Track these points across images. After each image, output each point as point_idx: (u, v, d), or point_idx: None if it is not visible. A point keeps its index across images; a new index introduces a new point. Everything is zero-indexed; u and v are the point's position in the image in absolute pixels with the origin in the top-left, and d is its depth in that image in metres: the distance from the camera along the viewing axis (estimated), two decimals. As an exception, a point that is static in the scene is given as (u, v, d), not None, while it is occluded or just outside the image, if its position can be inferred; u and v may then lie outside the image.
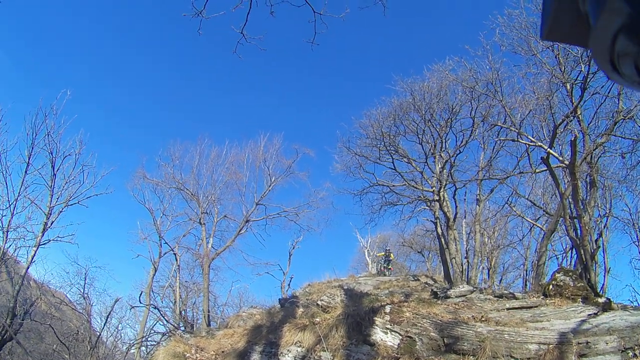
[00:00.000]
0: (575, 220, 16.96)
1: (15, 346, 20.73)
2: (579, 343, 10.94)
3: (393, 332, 12.46)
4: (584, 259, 15.54)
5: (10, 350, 20.79)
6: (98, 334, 22.66)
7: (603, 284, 21.71)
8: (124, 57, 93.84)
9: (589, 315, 12.61)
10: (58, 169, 21.44)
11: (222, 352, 14.65)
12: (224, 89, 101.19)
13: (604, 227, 23.36)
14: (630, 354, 10.86)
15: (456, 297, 15.79)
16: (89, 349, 20.17)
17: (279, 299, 21.72)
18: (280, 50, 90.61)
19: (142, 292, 27.57)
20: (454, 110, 24.17)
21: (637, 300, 22.79)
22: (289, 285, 31.93)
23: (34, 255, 20.23)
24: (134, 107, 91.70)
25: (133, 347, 24.66)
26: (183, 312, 27.50)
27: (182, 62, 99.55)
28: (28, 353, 20.70)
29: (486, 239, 28.81)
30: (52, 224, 20.85)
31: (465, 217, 28.77)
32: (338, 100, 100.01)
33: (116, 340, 26.74)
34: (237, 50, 9.35)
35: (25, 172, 20.58)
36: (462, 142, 24.83)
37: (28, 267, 20.67)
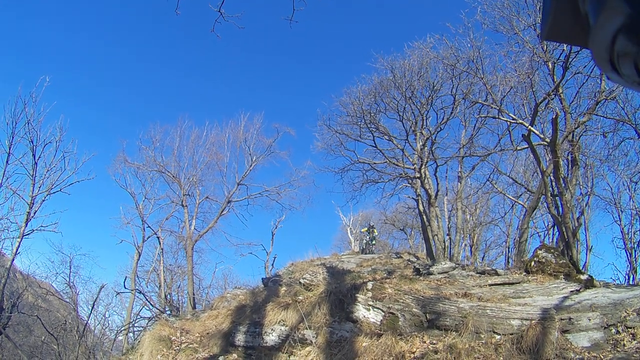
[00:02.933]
0: (556, 197, 17.04)
1: (4, 341, 20.50)
2: (561, 319, 11.03)
3: (375, 309, 12.46)
4: (566, 237, 15.62)
5: (0, 345, 20.58)
6: (85, 322, 22.47)
7: (585, 262, 21.94)
8: (100, 41, 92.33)
9: (571, 291, 12.72)
10: (39, 157, 20.99)
11: (207, 333, 14.60)
12: (203, 69, 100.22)
13: (586, 205, 23.60)
14: (614, 330, 10.95)
15: (438, 273, 15.87)
16: (77, 338, 20.00)
17: (262, 279, 21.68)
18: (259, 29, 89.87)
19: (126, 277, 27.34)
20: (435, 87, 24.05)
21: (619, 279, 23.17)
22: (272, 265, 32.01)
23: (19, 246, 19.92)
24: (113, 91, 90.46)
25: (120, 334, 24.50)
26: (168, 295, 27.31)
27: (159, 44, 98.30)
28: (18, 347, 20.51)
29: (468, 216, 28.93)
30: (35, 213, 20.52)
31: (447, 194, 28.83)
32: (318, 79, 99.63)
33: (104, 327, 26.50)
34: (215, 29, 9.21)
35: (7, 162, 20.20)
36: (443, 119, 24.82)
37: (13, 259, 20.36)
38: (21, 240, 19.88)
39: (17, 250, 19.92)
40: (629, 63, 0.88)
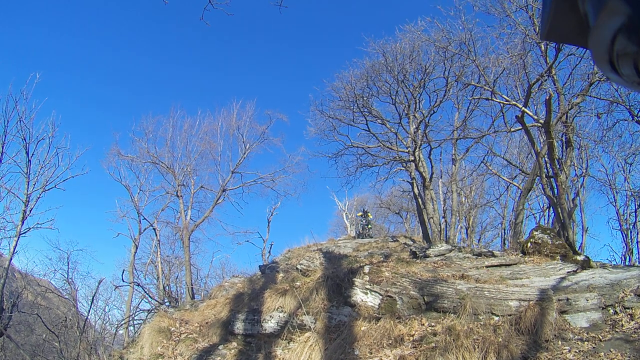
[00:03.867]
0: (551, 179, 17.08)
1: (6, 341, 20.47)
2: (559, 300, 11.10)
3: (373, 292, 12.46)
4: (562, 217, 15.68)
5: (3, 346, 20.52)
6: (85, 318, 22.42)
7: (581, 243, 22.19)
8: (89, 34, 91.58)
9: (569, 272, 12.78)
10: (32, 155, 20.82)
11: (206, 323, 14.63)
12: (194, 58, 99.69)
13: (581, 186, 23.83)
14: (612, 310, 11.03)
15: (435, 256, 15.91)
16: (78, 334, 19.93)
17: (260, 266, 21.71)
18: (248, 15, 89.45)
19: (124, 270, 27.36)
20: (427, 70, 24.04)
21: (615, 260, 23.39)
22: (269, 252, 32.04)
23: (16, 245, 19.81)
24: (105, 84, 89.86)
25: (121, 328, 24.48)
26: (167, 287, 27.27)
27: (148, 34, 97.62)
28: (19, 347, 20.47)
29: (463, 199, 29.08)
30: (30, 211, 20.38)
31: (441, 177, 29.00)
32: (310, 64, 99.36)
33: (104, 322, 26.34)
34: (205, 16, 9.14)
35: (0, 161, 20.15)
36: (435, 102, 24.84)
37: (11, 259, 20.25)
38: (18, 239, 19.80)
39: (14, 249, 19.85)
40: (628, 63, 0.88)
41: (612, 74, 0.94)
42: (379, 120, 26.29)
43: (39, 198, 20.81)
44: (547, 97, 15.00)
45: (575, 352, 9.64)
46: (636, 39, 0.84)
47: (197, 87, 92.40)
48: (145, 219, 28.39)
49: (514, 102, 17.07)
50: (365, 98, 25.37)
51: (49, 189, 21.23)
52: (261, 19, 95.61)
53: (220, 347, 12.94)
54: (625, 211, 25.08)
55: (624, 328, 10.28)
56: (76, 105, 76.90)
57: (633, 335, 9.79)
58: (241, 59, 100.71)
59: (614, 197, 25.50)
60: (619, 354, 9.13)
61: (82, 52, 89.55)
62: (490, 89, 17.85)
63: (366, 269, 13.56)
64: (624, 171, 25.05)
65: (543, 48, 17.01)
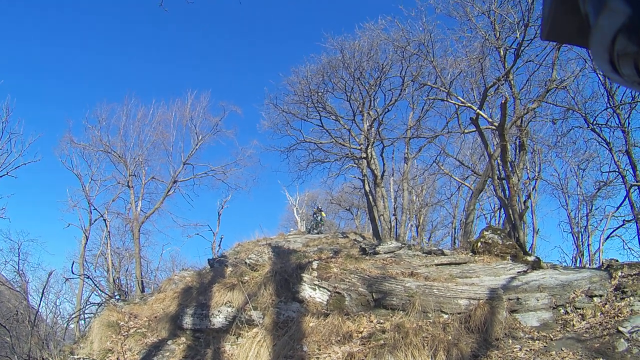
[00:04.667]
0: (503, 180, 17.29)
1: None
2: (509, 299, 11.20)
3: (321, 288, 12.36)
4: (513, 219, 15.84)
5: None
6: (36, 311, 21.78)
7: (532, 244, 22.71)
8: (46, 17, 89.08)
9: (519, 272, 12.90)
10: (-16, 140, 20.21)
11: (155, 317, 14.32)
12: (150, 47, 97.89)
13: (533, 189, 24.44)
14: (562, 311, 11.18)
15: (385, 253, 15.88)
16: (29, 328, 19.32)
17: (209, 260, 21.36)
18: (207, 5, 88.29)
19: (74, 262, 26.42)
20: (384, 69, 24.03)
21: (565, 261, 24.04)
22: (219, 245, 31.56)
23: None
24: (60, 68, 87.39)
25: (72, 322, 23.81)
26: (117, 280, 26.56)
27: (106, 20, 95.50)
28: None
29: (414, 197, 29.38)
30: (-19, 198, 19.82)
31: (393, 175, 29.21)
32: (267, 57, 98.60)
33: (55, 316, 25.45)
34: (164, 3, 8.89)
35: None
36: (391, 100, 24.83)
37: None
38: (-31, 228, 19.16)
39: (-35, 239, 19.23)
40: (629, 63, 0.88)
41: (612, 74, 0.94)
42: (332, 117, 26.22)
43: (-10, 185, 20.22)
44: (503, 101, 15.15)
45: (527, 350, 9.70)
46: (636, 39, 0.84)
47: (153, 76, 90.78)
48: (95, 209, 27.57)
49: (469, 104, 17.11)
50: (320, 93, 25.24)
51: (0, 176, 20.59)
52: (220, 9, 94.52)
53: (169, 342, 12.66)
54: (577, 215, 25.99)
55: (575, 327, 10.43)
56: (32, 95, 74.78)
57: (584, 335, 9.92)
58: (198, 50, 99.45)
59: (565, 201, 26.39)
60: (571, 353, 9.22)
61: (41, 32, 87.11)
62: (446, 90, 17.89)
63: (315, 265, 13.43)
64: (576, 176, 25.93)
65: (502, 53, 17.21)
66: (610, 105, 19.99)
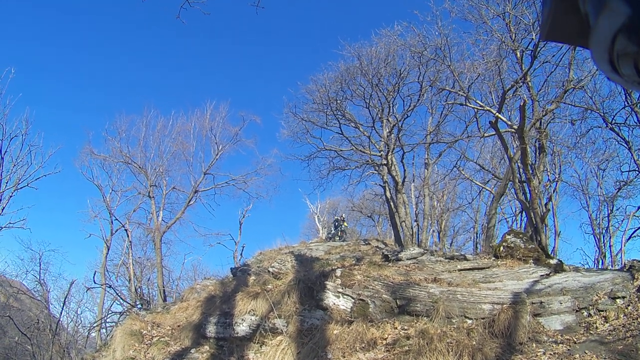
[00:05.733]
0: (524, 184, 17.21)
1: None
2: (532, 303, 11.12)
3: (345, 296, 12.39)
4: (534, 222, 15.76)
5: None
6: (58, 320, 21.98)
7: (554, 247, 22.43)
8: (64, 30, 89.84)
9: (542, 276, 12.82)
10: (5, 152, 20.50)
11: (178, 326, 14.44)
12: (169, 58, 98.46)
13: (554, 191, 24.12)
14: (585, 313, 11.09)
15: (407, 259, 15.84)
16: (50, 337, 19.51)
17: (231, 269, 21.46)
18: (225, 15, 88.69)
19: (95, 272, 26.68)
20: (402, 75, 24.08)
21: (587, 263, 23.85)
22: (241, 254, 31.59)
23: None
24: (79, 82, 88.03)
25: (93, 330, 24.02)
26: (138, 289, 26.82)
27: (124, 32, 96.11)
28: None
29: (435, 203, 29.20)
30: (2, 210, 20.06)
31: (413, 180, 29.06)
32: (285, 66, 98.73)
33: (77, 325, 25.95)
34: (181, 15, 9.01)
35: None
36: (409, 106, 24.90)
37: None
38: (-10, 239, 19.51)
39: (-14, 249, 19.53)
40: (629, 63, 0.88)
41: (612, 74, 0.94)
42: (352, 124, 26.33)
43: (11, 197, 20.53)
44: (522, 103, 15.06)
45: (550, 354, 9.65)
46: (636, 39, 0.84)
47: (172, 87, 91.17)
48: (117, 219, 27.89)
49: (487, 108, 17.07)
50: (339, 101, 25.33)
51: (21, 188, 20.94)
52: (237, 19, 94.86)
53: (193, 350, 12.76)
54: (598, 216, 25.63)
55: (598, 330, 10.34)
56: (51, 103, 75.48)
57: (608, 337, 9.84)
58: (216, 60, 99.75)
59: (586, 202, 26.07)
60: (594, 356, 9.15)
61: (57, 50, 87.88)
62: (465, 95, 17.87)
63: (338, 272, 13.47)
64: (596, 177, 25.60)
65: (519, 55, 17.09)
66: (628, 103, 19.77)
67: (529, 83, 17.87)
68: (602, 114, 20.27)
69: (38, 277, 24.49)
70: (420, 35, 19.69)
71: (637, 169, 21.25)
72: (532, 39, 15.95)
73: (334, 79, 25.10)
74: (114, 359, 13.35)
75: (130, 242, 28.14)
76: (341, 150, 26.51)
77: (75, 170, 31.10)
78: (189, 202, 27.57)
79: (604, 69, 0.96)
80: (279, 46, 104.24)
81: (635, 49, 0.85)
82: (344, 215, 34.21)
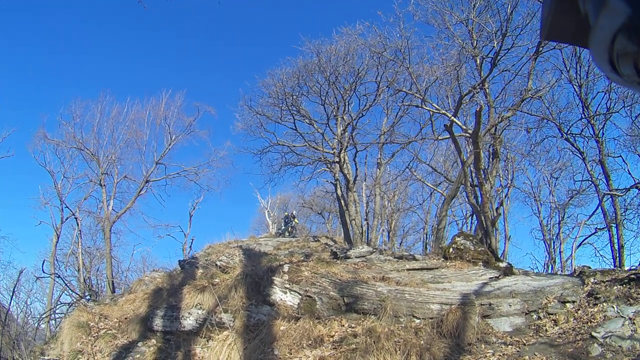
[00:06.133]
0: (476, 187, 17.42)
1: None
2: (481, 304, 11.22)
3: (292, 292, 12.29)
4: (485, 225, 15.93)
5: None
6: (7, 310, 21.30)
7: (503, 250, 23.01)
8: (24, 11, 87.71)
9: (491, 278, 12.96)
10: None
11: (125, 318, 14.05)
12: (127, 44, 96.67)
13: (505, 196, 24.80)
14: (535, 316, 11.25)
15: (356, 257, 15.82)
16: (0, 328, 18.96)
17: (179, 261, 21.16)
18: (185, 5, 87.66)
19: (44, 261, 25.87)
20: (360, 74, 24.21)
21: (537, 268, 24.48)
22: (190, 247, 31.26)
23: None
24: (35, 63, 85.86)
25: (42, 322, 23.39)
26: (87, 279, 26.07)
27: (84, 16, 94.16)
28: None
29: (386, 202, 29.48)
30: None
31: (365, 180, 29.29)
32: (243, 59, 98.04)
33: (27, 315, 25.16)
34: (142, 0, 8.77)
35: None
36: (365, 105, 25.10)
37: None
38: (-62, 226, 18.80)
39: None
40: (628, 63, 0.87)
41: (612, 74, 0.93)
42: (306, 120, 26.32)
43: (-38, 181, 19.79)
44: (478, 109, 15.26)
45: (499, 355, 9.73)
46: (636, 39, 0.83)
47: (129, 75, 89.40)
48: (67, 207, 27.23)
49: (443, 111, 17.24)
50: (295, 97, 25.27)
51: (-28, 171, 20.17)
52: (198, 8, 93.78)
53: (140, 344, 12.42)
54: (549, 222, 26.55)
55: (548, 333, 10.50)
56: (5, 83, 73.37)
57: (557, 340, 9.98)
58: (174, 49, 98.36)
59: (537, 208, 26.98)
60: (544, 358, 9.27)
61: (19, 25, 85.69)
62: (421, 97, 17.97)
63: (286, 268, 13.35)
64: (549, 185, 26.40)
65: (478, 62, 17.39)
66: (585, 115, 20.41)
67: (487, 90, 18.13)
68: (558, 124, 20.82)
69: (-13, 266, 23.72)
70: (381, 36, 19.75)
71: (590, 179, 21.87)
72: (494, 46, 16.18)
73: (291, 74, 25.03)
74: (62, 351, 12.94)
75: (80, 231, 27.37)
76: (294, 146, 26.47)
77: (28, 155, 30.28)
78: (140, 191, 27.28)
79: (603, 69, 0.95)
80: (239, 38, 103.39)
81: (635, 48, 0.84)
82: (294, 212, 34.17)
